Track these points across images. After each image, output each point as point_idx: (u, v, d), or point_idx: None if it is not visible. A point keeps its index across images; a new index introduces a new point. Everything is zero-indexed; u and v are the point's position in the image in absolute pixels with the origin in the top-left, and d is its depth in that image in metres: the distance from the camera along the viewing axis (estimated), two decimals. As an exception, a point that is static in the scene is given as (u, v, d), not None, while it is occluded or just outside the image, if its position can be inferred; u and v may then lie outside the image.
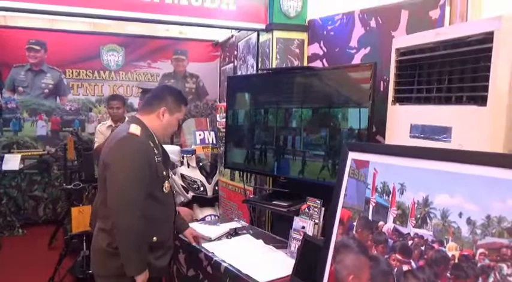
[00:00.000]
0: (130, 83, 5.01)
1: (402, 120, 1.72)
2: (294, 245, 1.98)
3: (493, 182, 0.82)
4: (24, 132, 4.72)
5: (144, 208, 1.64)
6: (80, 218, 3.00)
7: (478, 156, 0.86)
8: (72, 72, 4.85)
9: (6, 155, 4.37)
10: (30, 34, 4.63)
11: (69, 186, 3.39)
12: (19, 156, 4.40)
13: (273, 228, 2.77)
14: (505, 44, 1.30)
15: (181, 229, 2.13)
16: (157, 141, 1.80)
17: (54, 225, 4.13)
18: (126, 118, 3.33)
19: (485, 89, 1.36)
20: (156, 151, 1.75)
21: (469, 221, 0.85)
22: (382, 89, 2.21)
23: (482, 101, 1.38)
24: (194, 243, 2.12)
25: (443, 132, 1.53)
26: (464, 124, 1.44)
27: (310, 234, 1.93)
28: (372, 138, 2.05)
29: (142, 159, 1.65)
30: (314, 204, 2.01)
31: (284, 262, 1.90)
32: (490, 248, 0.80)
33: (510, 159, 0.80)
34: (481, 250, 0.81)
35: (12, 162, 4.30)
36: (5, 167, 4.25)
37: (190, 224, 2.28)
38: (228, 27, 3.22)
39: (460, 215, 0.87)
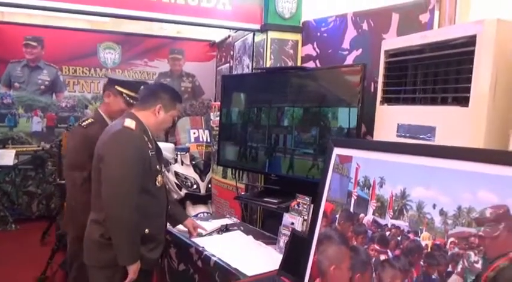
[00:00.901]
0: (127, 81, 5.04)
1: (390, 120, 1.77)
2: (283, 241, 2.02)
3: (465, 175, 0.87)
4: (19, 128, 4.73)
5: (138, 202, 1.67)
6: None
7: (451, 151, 0.91)
8: (69, 69, 4.86)
9: (0, 151, 4.39)
10: (27, 30, 4.64)
11: (63, 182, 3.41)
12: (14, 151, 4.41)
13: (264, 225, 2.82)
14: (486, 47, 1.35)
15: (181, 219, 2.18)
16: (151, 136, 1.85)
17: (47, 221, 4.15)
18: None
19: (468, 90, 1.41)
20: (150, 145, 1.80)
21: (441, 212, 0.89)
22: (372, 90, 2.26)
23: (464, 102, 1.43)
24: (195, 234, 2.17)
25: (427, 131, 1.58)
26: (448, 124, 1.49)
27: (299, 230, 1.97)
28: (362, 138, 2.10)
29: (137, 152, 1.70)
30: (303, 201, 2.05)
31: (272, 257, 1.95)
32: (460, 237, 0.85)
33: (479, 154, 0.85)
34: (451, 239, 0.86)
35: (7, 157, 4.31)
36: (-1, 162, 4.27)
37: None
38: (223, 27, 3.26)
39: (434, 206, 0.91)
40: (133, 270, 1.68)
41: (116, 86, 2.28)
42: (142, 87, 2.30)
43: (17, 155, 4.42)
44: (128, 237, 1.66)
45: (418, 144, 0.97)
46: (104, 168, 1.67)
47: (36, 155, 4.64)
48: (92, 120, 2.27)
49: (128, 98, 2.28)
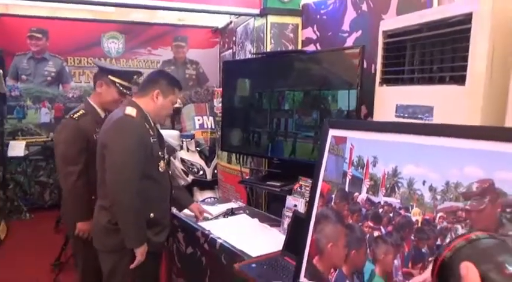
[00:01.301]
0: (131, 70, 5.07)
1: (389, 101, 1.78)
2: (287, 222, 2.06)
3: (452, 151, 0.88)
4: (28, 119, 4.82)
5: (141, 187, 1.72)
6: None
7: (439, 128, 0.93)
8: (74, 60, 4.91)
9: (11, 142, 4.49)
10: (31, 22, 4.69)
11: (73, 171, 3.49)
12: (24, 142, 4.51)
13: (269, 209, 2.87)
14: (482, 24, 1.35)
15: (186, 204, 2.23)
16: (152, 123, 1.88)
17: (60, 209, 4.25)
18: None
19: (464, 68, 1.42)
20: (151, 132, 1.83)
21: (431, 188, 0.92)
22: (373, 71, 2.26)
23: (461, 80, 1.44)
24: (201, 218, 2.22)
25: (425, 111, 1.59)
26: (445, 103, 1.50)
27: (302, 211, 2.01)
28: (363, 119, 2.12)
29: (138, 139, 1.74)
30: (306, 184, 2.09)
31: (277, 238, 1.99)
32: (448, 211, 0.87)
33: (466, 130, 0.87)
34: (440, 214, 0.89)
35: (17, 148, 4.41)
36: (10, 154, 4.37)
37: None
38: (222, 13, 3.26)
39: (424, 182, 0.93)
40: (140, 252, 1.75)
41: (109, 76, 2.24)
42: (135, 76, 2.30)
43: (27, 146, 4.52)
44: (133, 221, 1.72)
45: (407, 123, 0.99)
46: (108, 154, 1.72)
47: (45, 145, 4.73)
48: (83, 111, 2.22)
49: (121, 88, 2.23)
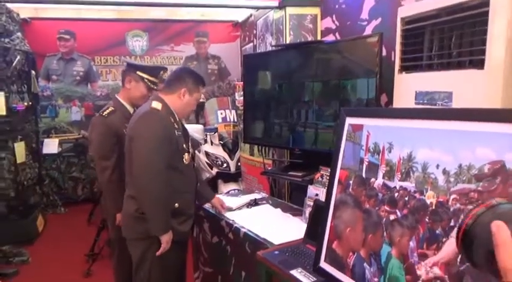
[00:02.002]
0: (155, 67, 5.21)
1: (408, 88, 1.78)
2: (308, 211, 2.10)
3: (464, 134, 0.90)
4: (60, 118, 5.05)
5: (166, 177, 1.80)
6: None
7: (451, 112, 0.94)
8: (101, 59, 5.09)
9: (45, 140, 4.71)
10: (60, 24, 4.88)
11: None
12: (57, 140, 4.73)
13: (292, 199, 2.90)
14: (500, 7, 1.33)
15: (209, 198, 2.31)
16: (177, 118, 1.96)
17: (92, 203, 4.45)
18: None
19: (483, 52, 1.40)
20: (176, 126, 1.91)
21: (444, 171, 0.93)
22: (393, 59, 2.24)
23: (480, 64, 1.42)
24: (223, 211, 2.29)
25: (445, 97, 1.58)
26: (464, 88, 1.49)
27: (323, 200, 2.04)
28: (382, 107, 2.11)
29: (163, 131, 1.82)
30: (326, 173, 2.10)
31: (299, 227, 2.03)
32: (461, 193, 0.89)
33: (477, 114, 0.88)
34: (453, 196, 0.90)
35: (51, 146, 4.63)
36: (45, 151, 4.60)
37: None
38: (241, 7, 3.30)
39: (437, 166, 0.95)
40: (165, 240, 1.83)
41: (138, 72, 2.33)
42: (162, 71, 2.39)
43: (60, 143, 4.74)
44: (158, 208, 1.80)
45: (421, 109, 1.01)
46: (134, 146, 1.81)
47: (77, 142, 4.95)
48: (112, 108, 2.32)
49: (149, 83, 2.33)
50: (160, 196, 1.78)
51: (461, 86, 1.50)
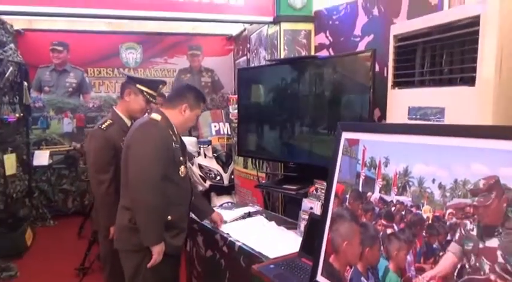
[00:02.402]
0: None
1: (401, 104, 1.81)
2: (303, 225, 2.10)
3: (459, 150, 0.92)
4: (51, 129, 5.00)
5: (161, 188, 1.79)
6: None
7: (446, 128, 0.97)
8: (94, 71, 5.08)
9: (36, 152, 4.66)
10: (53, 36, 4.88)
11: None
12: (48, 152, 4.67)
13: (286, 212, 2.91)
14: (490, 26, 1.38)
15: (208, 213, 2.30)
16: (176, 131, 1.97)
17: (82, 216, 4.39)
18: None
19: (474, 70, 1.45)
20: (174, 138, 1.93)
21: (440, 186, 0.96)
22: (385, 74, 2.29)
23: (471, 81, 1.47)
24: (222, 226, 2.28)
25: (437, 113, 1.62)
26: (457, 104, 1.53)
27: (318, 214, 2.05)
28: (377, 122, 2.15)
29: (161, 141, 1.83)
30: (321, 186, 2.13)
31: (294, 240, 2.03)
32: (457, 207, 0.91)
33: (471, 130, 0.91)
34: (449, 210, 0.92)
35: (42, 158, 4.57)
36: (35, 163, 4.53)
37: None
38: (236, 22, 3.35)
39: (433, 181, 0.97)
40: (157, 251, 1.81)
41: (137, 85, 2.34)
42: (161, 85, 2.41)
43: (51, 155, 4.68)
44: (151, 218, 1.79)
45: (416, 125, 1.03)
46: (131, 155, 1.81)
47: (68, 154, 4.90)
48: (111, 121, 2.30)
49: (148, 96, 2.34)
50: (154, 205, 1.77)
51: (454, 102, 1.54)
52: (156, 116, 1.90)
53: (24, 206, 4.28)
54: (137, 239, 1.81)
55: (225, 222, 2.36)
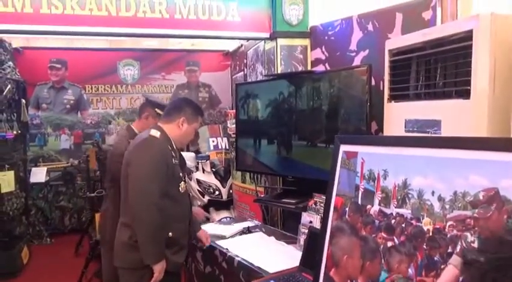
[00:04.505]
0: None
1: (398, 117, 1.83)
2: (303, 239, 2.09)
3: (458, 162, 0.93)
4: (49, 146, 4.99)
5: (161, 205, 1.79)
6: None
7: (444, 141, 0.98)
8: (92, 88, 5.10)
9: (33, 169, 4.63)
10: (51, 53, 4.92)
11: (93, 194, 3.60)
12: (45, 169, 4.65)
13: (285, 226, 2.89)
14: (483, 40, 1.41)
15: (196, 230, 2.25)
16: (175, 146, 1.97)
17: (80, 233, 4.34)
18: None
19: (468, 83, 1.47)
20: (173, 154, 1.93)
21: (439, 198, 0.96)
22: (381, 88, 2.32)
23: (466, 94, 1.49)
24: (207, 244, 2.23)
25: (434, 125, 1.63)
26: (452, 117, 1.55)
27: (318, 227, 2.05)
28: (374, 135, 2.17)
29: (161, 158, 1.83)
30: (320, 200, 2.12)
31: (293, 255, 2.02)
32: (457, 219, 0.91)
33: (470, 142, 0.92)
34: (450, 223, 0.93)
35: (39, 175, 4.55)
36: (32, 180, 4.51)
37: (205, 225, 2.43)
38: (234, 38, 3.39)
39: (433, 193, 0.98)
40: (158, 270, 1.79)
41: (156, 109, 2.42)
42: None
43: (48, 172, 4.66)
44: (152, 236, 1.77)
45: (414, 137, 1.05)
46: (131, 172, 1.81)
47: (66, 171, 4.87)
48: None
49: None
50: (155, 223, 1.76)
51: (450, 115, 1.56)
52: (155, 133, 1.90)
53: (20, 223, 4.23)
54: (137, 256, 1.79)
55: (224, 237, 2.35)
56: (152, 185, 1.76)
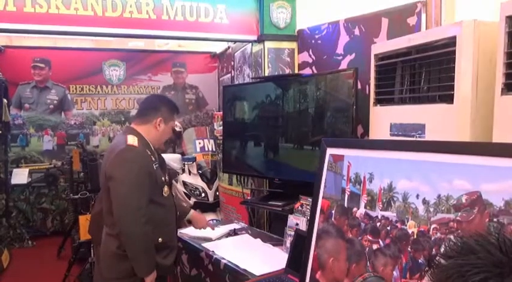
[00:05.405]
0: (132, 96, 5.18)
1: (383, 120, 1.86)
2: (289, 241, 2.10)
3: (442, 166, 0.95)
4: (31, 147, 4.88)
5: (147, 213, 1.73)
6: (87, 225, 3.13)
7: (428, 145, 1.00)
8: (76, 88, 5.01)
9: (14, 170, 4.53)
10: (35, 53, 4.81)
11: (76, 196, 3.54)
12: (27, 170, 4.55)
13: (271, 228, 2.90)
14: (466, 47, 1.44)
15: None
16: (153, 149, 1.90)
17: (62, 236, 4.26)
18: None
19: (452, 88, 1.50)
20: (153, 158, 1.86)
21: (424, 201, 0.98)
22: (367, 92, 2.35)
23: (449, 99, 1.52)
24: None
25: (418, 129, 1.66)
26: (436, 121, 1.58)
27: (304, 230, 2.06)
28: (360, 138, 2.19)
29: (142, 169, 1.75)
30: (306, 202, 2.14)
31: (280, 257, 2.03)
32: (441, 222, 0.93)
33: (453, 146, 0.94)
34: (434, 225, 0.94)
35: (21, 176, 4.45)
36: (13, 181, 4.40)
37: (190, 227, 2.41)
38: (221, 40, 3.38)
39: (417, 196, 1.00)
40: (150, 280, 1.77)
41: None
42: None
43: (30, 173, 4.56)
44: (143, 250, 1.73)
45: (399, 141, 1.06)
46: (112, 187, 1.73)
47: (48, 172, 4.77)
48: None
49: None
50: (144, 236, 1.71)
51: (433, 119, 1.59)
52: (132, 140, 1.78)
53: (0, 226, 4.13)
54: (125, 265, 1.76)
55: (210, 239, 2.34)
56: (137, 200, 1.70)
